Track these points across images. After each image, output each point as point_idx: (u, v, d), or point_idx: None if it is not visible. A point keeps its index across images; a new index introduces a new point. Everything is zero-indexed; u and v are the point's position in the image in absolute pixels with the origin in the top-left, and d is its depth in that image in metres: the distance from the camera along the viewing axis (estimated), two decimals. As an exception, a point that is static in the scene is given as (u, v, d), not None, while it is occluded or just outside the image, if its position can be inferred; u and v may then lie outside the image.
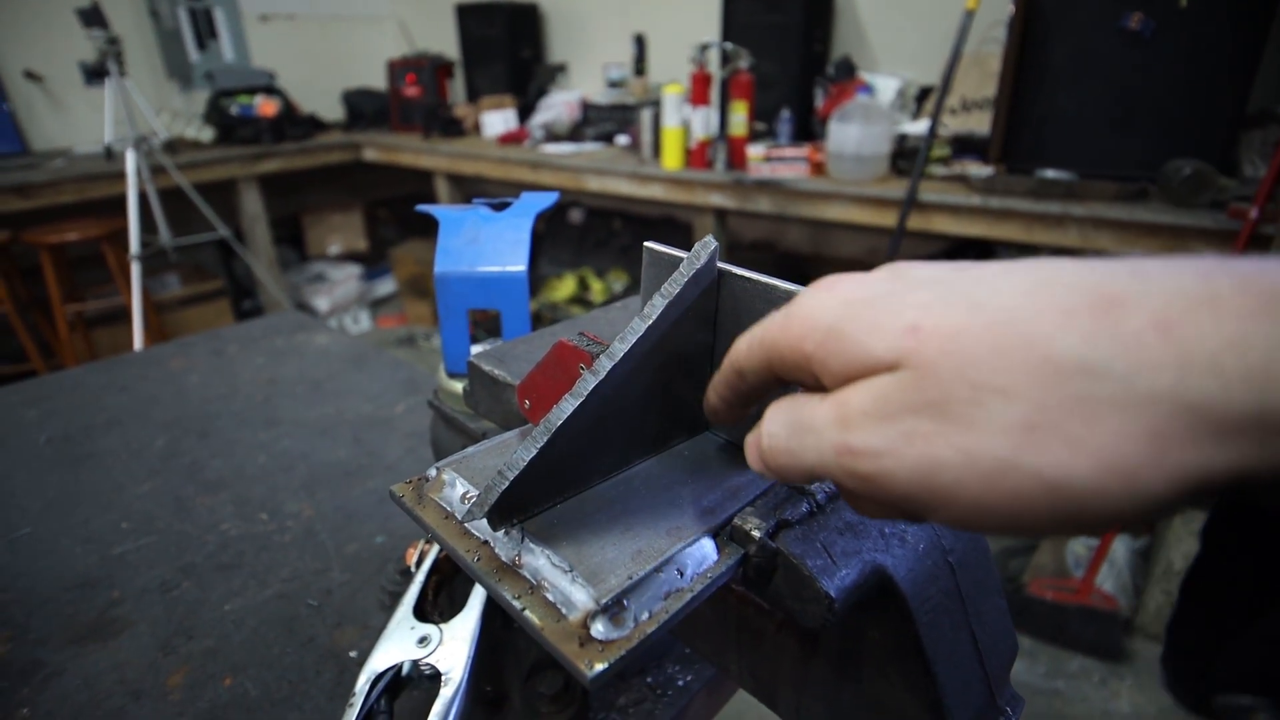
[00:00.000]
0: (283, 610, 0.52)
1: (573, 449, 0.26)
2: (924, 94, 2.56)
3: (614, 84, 3.29)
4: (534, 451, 0.24)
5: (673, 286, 0.27)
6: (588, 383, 0.25)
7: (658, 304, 0.27)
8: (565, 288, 3.12)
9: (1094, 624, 1.64)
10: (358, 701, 0.37)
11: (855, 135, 2.08)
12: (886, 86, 2.62)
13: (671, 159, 2.41)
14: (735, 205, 2.33)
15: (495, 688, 0.45)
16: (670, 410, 0.30)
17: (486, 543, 0.26)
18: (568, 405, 0.25)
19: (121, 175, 2.60)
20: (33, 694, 0.45)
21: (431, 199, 3.53)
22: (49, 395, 0.87)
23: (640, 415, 0.29)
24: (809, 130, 2.55)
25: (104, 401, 0.85)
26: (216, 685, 0.46)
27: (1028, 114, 1.93)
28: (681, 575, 0.24)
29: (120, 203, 2.62)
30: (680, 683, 0.45)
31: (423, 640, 0.40)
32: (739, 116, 2.30)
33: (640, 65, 3.17)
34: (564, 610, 0.23)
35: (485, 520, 0.25)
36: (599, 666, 0.21)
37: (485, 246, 0.45)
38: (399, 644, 0.40)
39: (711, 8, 2.67)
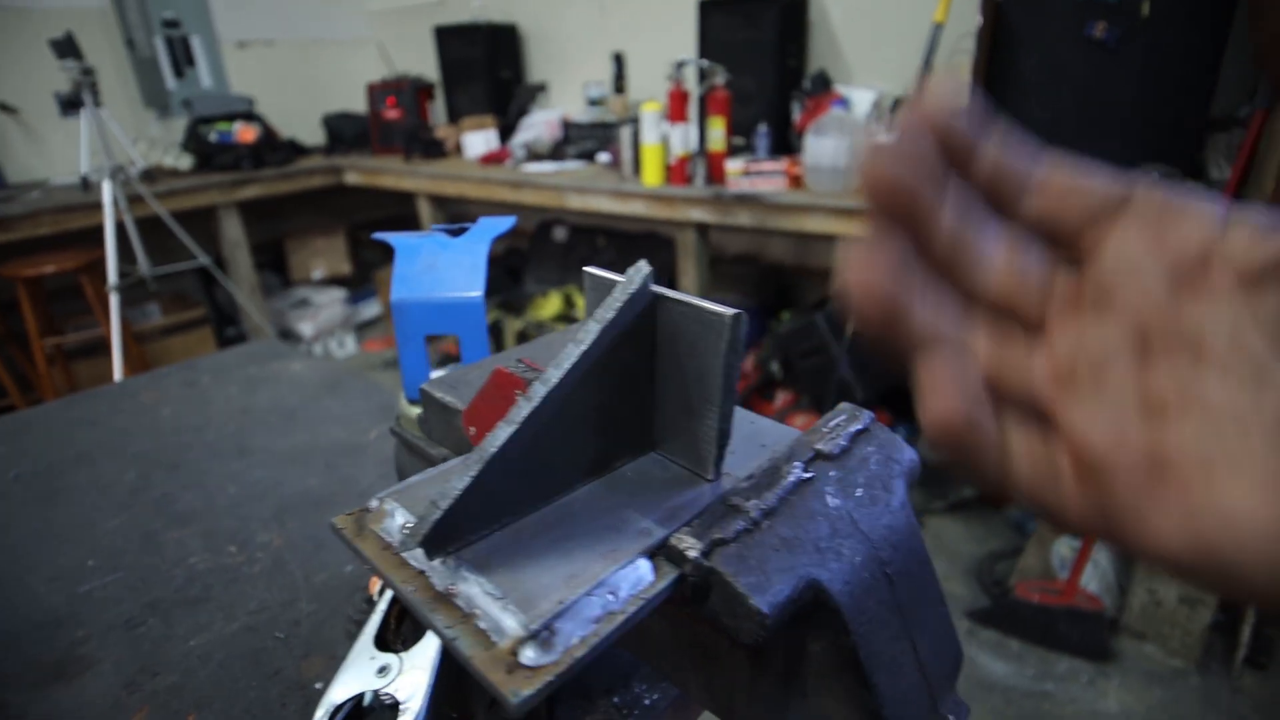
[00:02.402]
0: (249, 643, 0.52)
1: (510, 475, 0.27)
2: (898, 105, 2.60)
3: (594, 102, 3.32)
4: (468, 480, 0.25)
5: (607, 311, 0.27)
6: (522, 409, 0.26)
7: (592, 329, 0.27)
8: (551, 306, 3.13)
9: (1080, 625, 1.65)
10: (314, 734, 0.37)
11: (831, 148, 2.11)
12: (862, 99, 2.65)
13: (651, 175, 2.43)
14: (716, 219, 2.35)
15: (460, 712, 0.44)
16: (613, 432, 0.30)
17: (423, 573, 0.26)
18: (502, 433, 0.25)
19: (99, 206, 2.59)
20: (-9, 738, 0.45)
21: (414, 221, 3.53)
22: (19, 431, 0.86)
23: (581, 439, 0.29)
24: (787, 144, 2.58)
25: (75, 436, 0.85)
26: (179, 722, 0.45)
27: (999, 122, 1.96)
28: (615, 597, 0.25)
29: (98, 233, 2.61)
30: (647, 701, 0.45)
31: (382, 670, 0.40)
32: (717, 132, 2.33)
33: (620, 83, 3.20)
34: (494, 638, 0.23)
35: (423, 552, 0.25)
36: (525, 692, 0.21)
37: (442, 273, 0.46)
38: (358, 674, 0.39)
39: (688, 25, 2.71)
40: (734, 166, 2.26)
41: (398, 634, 0.42)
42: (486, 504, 0.26)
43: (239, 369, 1.03)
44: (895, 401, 2.56)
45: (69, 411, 0.92)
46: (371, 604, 0.45)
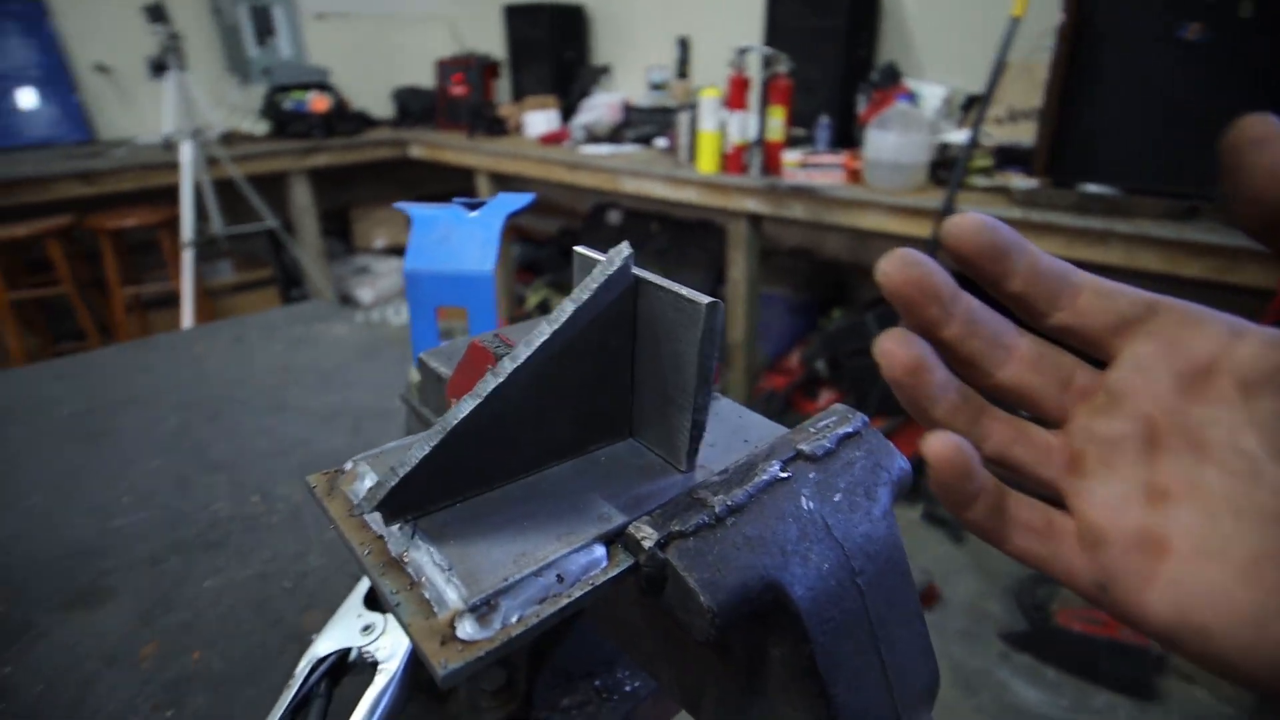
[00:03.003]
0: (258, 590, 0.54)
1: (474, 449, 0.27)
2: (971, 102, 2.49)
3: (656, 86, 3.30)
4: (426, 449, 0.25)
5: (582, 292, 0.27)
6: (488, 384, 0.26)
7: (566, 308, 0.27)
8: (598, 288, 3.14)
9: (1124, 659, 1.57)
10: (295, 683, 0.38)
11: (893, 143, 2.04)
12: (932, 94, 2.56)
13: (706, 163, 2.40)
14: (769, 211, 2.31)
15: (445, 680, 0.45)
16: (588, 415, 0.30)
17: (380, 537, 0.26)
18: (465, 405, 0.25)
19: (178, 166, 2.72)
20: (19, 654, 0.48)
21: (472, 196, 3.59)
22: (78, 372, 0.92)
23: (552, 419, 0.29)
24: (850, 137, 2.51)
25: (126, 381, 0.89)
26: (185, 658, 0.47)
27: (1076, 126, 1.86)
28: (562, 581, 0.24)
29: (177, 192, 2.74)
30: (628, 688, 0.45)
31: (367, 628, 0.41)
32: (776, 121, 2.28)
33: (683, 68, 3.17)
34: (436, 608, 0.23)
35: (380, 516, 0.25)
36: (453, 665, 0.21)
37: (455, 246, 0.46)
38: (344, 631, 0.41)
39: (756, 11, 2.66)
40: (791, 158, 2.21)
41: (387, 596, 0.43)
42: (448, 475, 0.26)
43: (285, 328, 1.07)
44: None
45: (126, 357, 0.97)
46: (368, 565, 0.46)
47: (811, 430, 0.32)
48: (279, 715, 0.37)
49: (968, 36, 2.50)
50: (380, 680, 0.38)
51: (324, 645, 0.40)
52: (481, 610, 0.23)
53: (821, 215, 2.20)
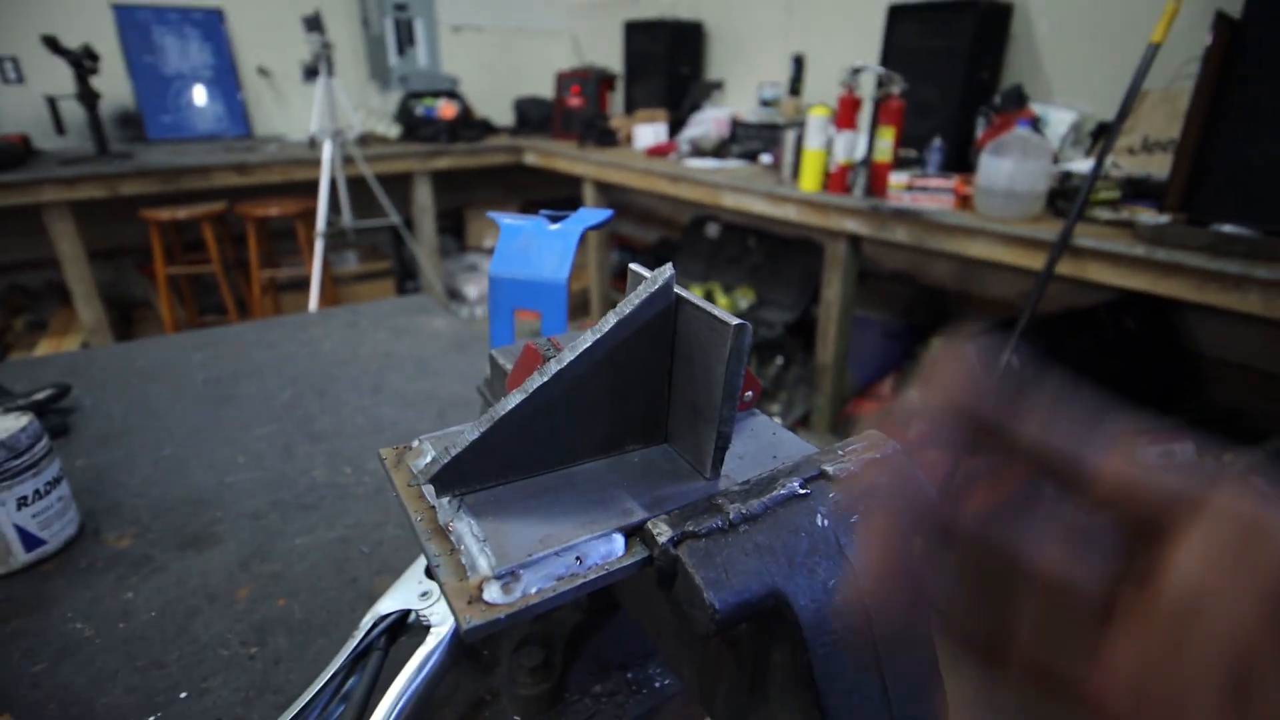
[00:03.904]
0: (340, 552, 0.60)
1: (519, 438, 0.30)
2: (1102, 130, 2.34)
3: (766, 103, 3.30)
4: (477, 434, 0.28)
5: (625, 306, 0.30)
6: (534, 381, 0.29)
7: (610, 320, 0.29)
8: (692, 300, 3.16)
9: None
10: (358, 635, 0.42)
11: (1008, 170, 1.95)
12: (1060, 120, 2.43)
13: (810, 181, 2.38)
14: (869, 233, 2.26)
15: (491, 652, 0.49)
16: (625, 418, 0.33)
17: (433, 507, 0.30)
18: (513, 399, 0.29)
19: (319, 162, 2.98)
20: (140, 582, 0.56)
21: (579, 203, 3.71)
22: (215, 343, 1.04)
23: (591, 418, 0.32)
24: (966, 161, 2.41)
25: (254, 354, 1.00)
26: (272, 604, 0.54)
27: (1219, 160, 1.71)
28: (580, 563, 0.27)
29: (315, 186, 3.00)
30: (657, 684, 0.47)
31: (425, 595, 0.45)
32: (885, 142, 2.24)
33: (796, 85, 3.16)
34: (469, 573, 0.26)
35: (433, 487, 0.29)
36: (475, 622, 0.24)
37: (534, 254, 0.50)
38: (405, 594, 0.45)
39: (875, 30, 2.61)
40: (898, 180, 2.16)
41: (446, 568, 0.47)
42: (494, 459, 0.30)
43: (391, 318, 1.16)
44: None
45: (256, 333, 1.08)
46: (433, 538, 0.51)
47: (840, 452, 0.33)
48: (342, 659, 0.41)
49: (1104, 61, 2.35)
50: (431, 641, 0.42)
51: (387, 605, 0.44)
52: (506, 579, 0.26)
53: (926, 240, 2.13)
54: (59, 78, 2.82)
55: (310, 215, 3.09)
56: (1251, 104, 1.63)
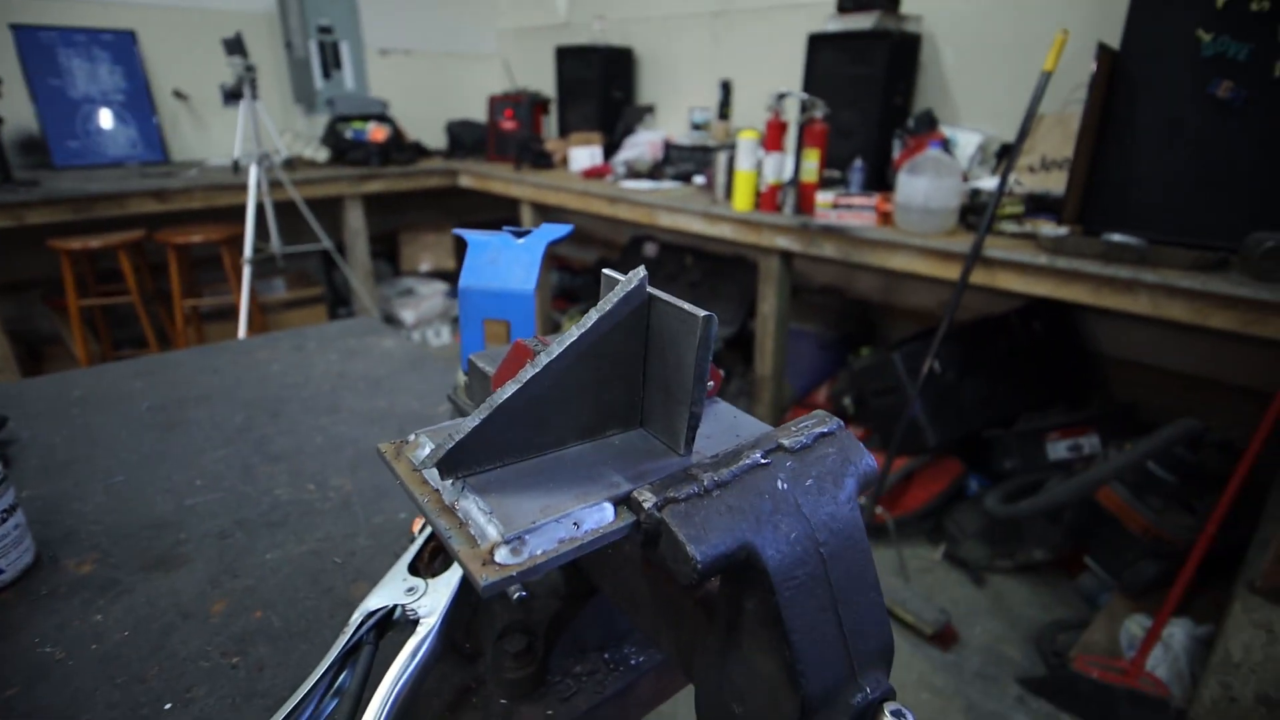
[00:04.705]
0: (312, 564, 0.61)
1: (513, 425, 0.33)
2: (1005, 150, 2.54)
3: (697, 126, 3.41)
4: (478, 421, 0.32)
5: (605, 304, 0.34)
6: (527, 373, 0.32)
7: (592, 316, 0.33)
8: (632, 317, 3.22)
9: (1142, 709, 1.55)
10: (348, 631, 0.44)
11: (924, 188, 2.09)
12: (968, 141, 2.62)
13: (742, 201, 2.48)
14: (800, 249, 2.37)
15: (473, 645, 0.51)
16: (606, 405, 0.37)
17: (437, 490, 0.33)
18: (508, 388, 0.32)
19: (244, 187, 2.90)
20: (107, 604, 0.56)
21: (517, 225, 3.73)
22: (155, 370, 1.02)
23: (576, 406, 0.35)
24: (885, 180, 2.57)
25: (198, 380, 0.99)
26: (249, 616, 0.54)
27: (1107, 176, 1.89)
28: (577, 528, 0.31)
29: (241, 211, 2.92)
30: (633, 662, 0.50)
31: (410, 590, 0.47)
32: (811, 163, 2.36)
33: (725, 110, 3.28)
34: (479, 541, 0.29)
35: (437, 472, 0.32)
36: (490, 579, 0.27)
37: (502, 267, 0.53)
38: (390, 590, 0.47)
39: (797, 58, 2.75)
40: (824, 198, 2.28)
41: (429, 565, 0.50)
42: (492, 444, 0.33)
43: (340, 340, 1.16)
44: (966, 450, 2.49)
45: (197, 359, 1.07)
46: (412, 539, 0.53)
47: (794, 429, 0.38)
48: (334, 656, 0.43)
49: (1005, 87, 2.56)
50: (420, 632, 0.44)
51: (374, 601, 0.46)
52: (514, 544, 0.29)
53: (852, 255, 2.26)
54: (-44, 102, 2.67)
55: (236, 241, 3.00)
56: (1132, 125, 1.82)
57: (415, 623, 0.46)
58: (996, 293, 2.02)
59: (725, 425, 0.39)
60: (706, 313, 0.32)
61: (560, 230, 0.56)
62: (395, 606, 0.47)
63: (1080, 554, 2.12)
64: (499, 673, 0.47)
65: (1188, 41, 1.69)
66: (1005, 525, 2.18)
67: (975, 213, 2.12)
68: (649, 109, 3.69)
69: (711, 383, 0.41)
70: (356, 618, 0.45)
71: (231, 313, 3.02)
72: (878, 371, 2.47)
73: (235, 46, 2.89)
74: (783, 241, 2.40)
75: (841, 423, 0.39)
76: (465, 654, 0.51)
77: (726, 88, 3.24)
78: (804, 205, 2.38)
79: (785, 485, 0.34)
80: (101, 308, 3.17)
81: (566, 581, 0.50)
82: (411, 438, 0.37)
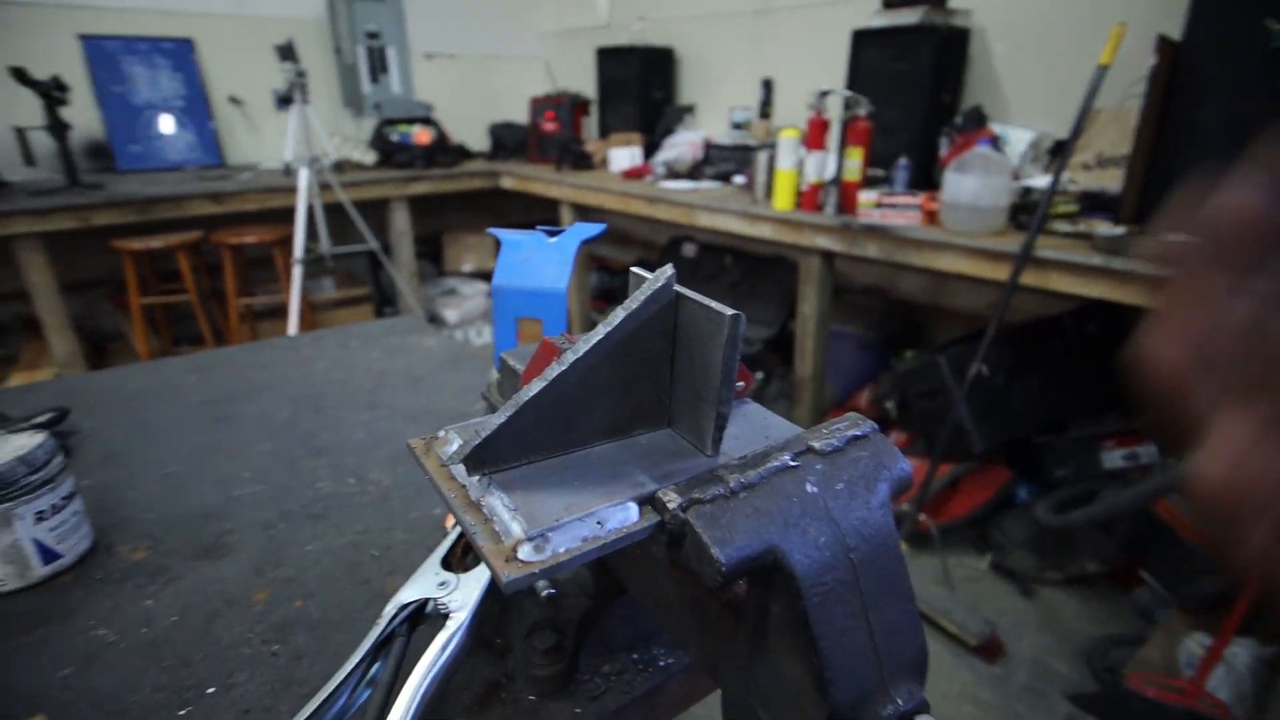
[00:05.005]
0: (351, 556, 0.62)
1: (539, 422, 0.33)
2: (1059, 147, 2.45)
3: (738, 126, 3.39)
4: (504, 418, 0.32)
5: (632, 302, 0.34)
6: (553, 370, 0.33)
7: (618, 314, 0.33)
8: (670, 318, 3.21)
9: (1200, 732, 1.48)
10: (382, 623, 0.45)
11: (972, 186, 2.04)
12: (1019, 138, 2.54)
13: (782, 200, 2.46)
14: (842, 248, 2.34)
15: (504, 641, 0.52)
16: (633, 404, 0.36)
17: (464, 486, 0.33)
18: (535, 386, 0.32)
19: (295, 189, 2.99)
20: (158, 590, 0.58)
21: (556, 225, 3.76)
22: (208, 366, 1.06)
23: (603, 404, 0.35)
24: (931, 179, 2.51)
25: (248, 375, 1.02)
26: (289, 605, 0.56)
27: (1167, 174, 1.81)
28: (601, 526, 0.30)
29: (292, 213, 3.01)
30: (662, 664, 0.50)
31: (443, 584, 0.48)
32: (853, 162, 2.32)
33: (766, 109, 3.25)
34: (503, 537, 0.30)
35: (464, 468, 0.32)
36: (513, 576, 0.27)
37: (535, 266, 0.54)
38: (422, 584, 0.48)
39: (841, 55, 2.71)
40: (867, 198, 2.24)
41: (461, 559, 0.50)
42: (518, 441, 0.33)
43: (383, 338, 1.19)
44: (1015, 457, 2.41)
45: (248, 355, 1.10)
46: (445, 534, 0.54)
47: (825, 431, 0.37)
48: (367, 647, 0.44)
49: (1058, 82, 2.47)
50: (451, 626, 0.45)
51: (407, 594, 0.47)
52: (537, 540, 0.29)
53: (895, 255, 2.21)
54: (27, 109, 2.81)
55: (287, 242, 3.10)
56: (1194, 120, 1.74)
57: (446, 616, 0.46)
58: (1048, 294, 1.96)
59: (755, 426, 0.39)
60: (734, 311, 0.32)
61: (593, 229, 0.56)
62: (428, 600, 0.47)
63: (1135, 567, 2.04)
64: (528, 669, 0.47)
65: (1255, 32, 1.61)
66: (1056, 535, 2.11)
67: (1026, 211, 2.06)
68: (689, 109, 3.69)
69: (742, 383, 0.41)
70: (390, 610, 0.46)
71: (283, 311, 3.12)
72: (922, 374, 2.41)
73: (287, 53, 2.98)
74: (824, 241, 2.37)
75: (875, 425, 0.38)
76: (495, 649, 0.51)
77: (768, 86, 3.21)
78: (846, 204, 2.34)
79: (815, 489, 0.33)
80: (162, 306, 3.31)
81: (595, 580, 0.50)
82: (441, 434, 0.37)
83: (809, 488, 0.33)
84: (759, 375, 2.98)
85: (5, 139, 2.99)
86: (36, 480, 0.57)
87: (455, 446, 0.36)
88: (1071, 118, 1.84)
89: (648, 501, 0.32)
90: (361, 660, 0.44)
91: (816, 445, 0.35)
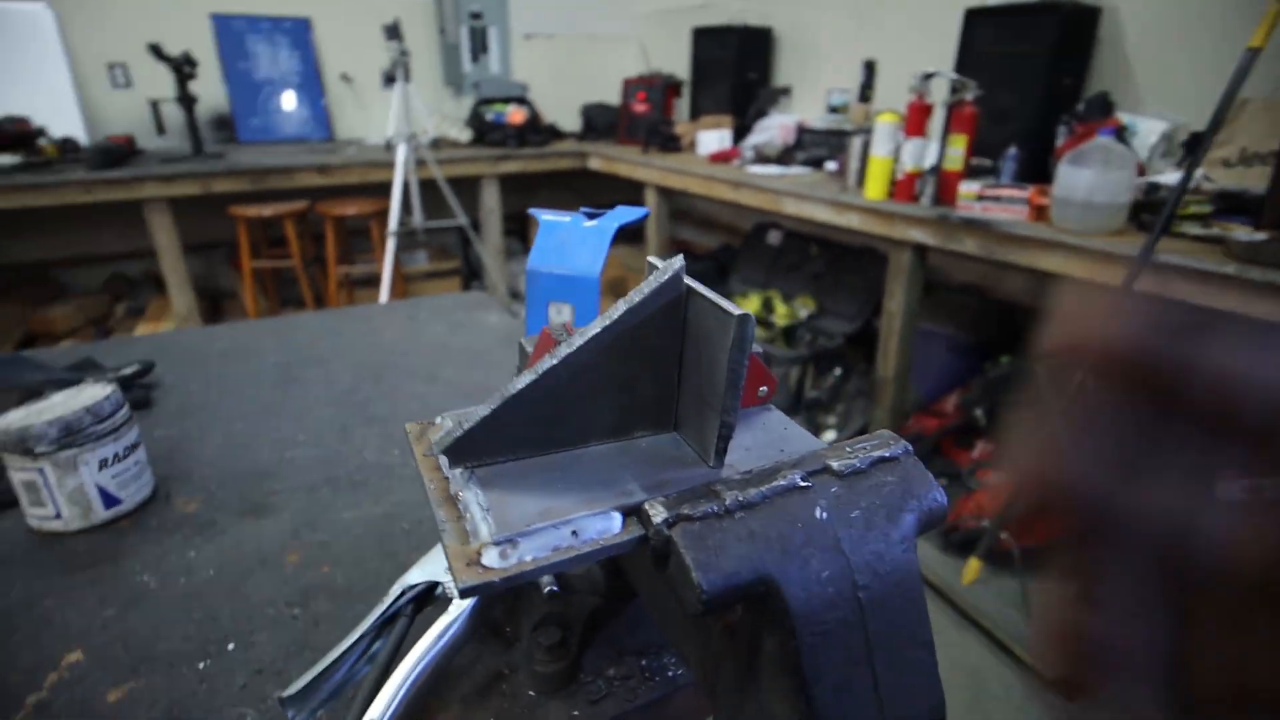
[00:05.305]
0: (383, 527, 0.63)
1: (528, 417, 0.31)
2: (1195, 140, 2.21)
3: (834, 109, 3.26)
4: (487, 411, 0.30)
5: (635, 295, 0.31)
6: (545, 364, 0.30)
7: (619, 307, 0.31)
8: (749, 306, 3.15)
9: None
10: (386, 601, 0.45)
11: (1089, 180, 1.86)
12: (1150, 129, 2.30)
13: (875, 189, 2.34)
14: (936, 242, 2.20)
15: (513, 630, 0.51)
16: (634, 404, 0.34)
17: (446, 477, 0.32)
18: (524, 379, 0.30)
19: (393, 164, 3.11)
20: (202, 543, 0.60)
21: (641, 206, 3.75)
22: (286, 330, 1.10)
23: (600, 402, 0.33)
24: (1043, 172, 2.32)
25: (320, 342, 1.06)
26: (317, 570, 0.57)
27: (1324, 172, 1.59)
28: (576, 536, 0.28)
29: (389, 187, 3.13)
30: (671, 674, 0.47)
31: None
32: (956, 150, 2.18)
33: (866, 92, 3.11)
34: (471, 538, 0.28)
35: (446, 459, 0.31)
36: (469, 582, 0.26)
37: (570, 250, 0.51)
38: (433, 566, 0.47)
39: (951, 35, 2.54)
40: (968, 188, 2.09)
41: (474, 546, 0.49)
42: (504, 435, 0.31)
43: (451, 312, 1.21)
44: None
45: (323, 322, 1.15)
46: (465, 518, 0.53)
47: (847, 449, 0.33)
48: (369, 623, 0.44)
49: (1200, 68, 2.22)
50: (452, 612, 0.44)
51: (415, 575, 0.47)
52: (504, 546, 0.27)
53: (996, 252, 2.06)
54: (161, 82, 3.04)
55: (384, 215, 3.23)
56: (1363, 112, 1.51)
57: (450, 602, 0.46)
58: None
59: (771, 438, 0.35)
60: (742, 311, 0.28)
61: (634, 213, 0.53)
62: (437, 583, 0.47)
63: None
64: (530, 663, 0.46)
65: None
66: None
67: (1150, 211, 1.86)
68: (784, 91, 3.56)
69: (764, 389, 0.37)
70: (396, 590, 0.46)
71: (378, 280, 3.26)
72: (1017, 382, 2.25)
73: (393, 32, 3.08)
74: (917, 234, 2.24)
75: (908, 447, 0.33)
76: (505, 637, 0.50)
77: (870, 68, 3.05)
78: (944, 195, 2.20)
79: (825, 514, 0.30)
80: (270, 270, 3.53)
81: (607, 579, 0.48)
82: (438, 419, 0.36)
83: (818, 513, 0.30)
84: (836, 371, 2.87)
85: (142, 109, 3.26)
86: (101, 430, 0.60)
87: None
88: (1206, 107, 1.64)
89: (633, 512, 0.30)
90: (363, 636, 0.44)
91: (834, 465, 0.32)
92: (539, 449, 0.33)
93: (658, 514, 0.29)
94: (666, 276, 0.31)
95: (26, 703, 0.45)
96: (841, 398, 2.86)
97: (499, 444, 0.31)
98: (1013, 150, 2.23)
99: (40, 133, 2.91)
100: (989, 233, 2.04)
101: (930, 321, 2.83)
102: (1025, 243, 1.98)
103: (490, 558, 0.27)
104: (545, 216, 0.54)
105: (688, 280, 0.32)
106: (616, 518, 0.29)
